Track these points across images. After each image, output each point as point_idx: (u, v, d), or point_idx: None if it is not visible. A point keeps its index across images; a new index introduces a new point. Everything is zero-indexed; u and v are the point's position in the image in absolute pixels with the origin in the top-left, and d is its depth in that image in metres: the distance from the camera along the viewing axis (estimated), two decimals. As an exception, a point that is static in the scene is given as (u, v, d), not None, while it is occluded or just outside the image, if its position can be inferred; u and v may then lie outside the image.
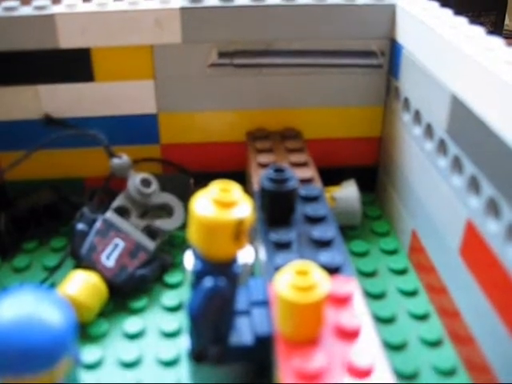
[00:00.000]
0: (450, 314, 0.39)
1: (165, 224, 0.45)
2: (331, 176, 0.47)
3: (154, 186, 0.45)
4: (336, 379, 0.27)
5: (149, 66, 0.48)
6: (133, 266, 0.43)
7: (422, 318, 0.41)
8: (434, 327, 0.40)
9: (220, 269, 0.29)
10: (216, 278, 0.29)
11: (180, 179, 0.50)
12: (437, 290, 0.41)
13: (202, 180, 0.42)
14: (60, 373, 0.29)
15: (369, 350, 0.29)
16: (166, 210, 0.46)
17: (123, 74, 0.48)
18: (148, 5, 0.46)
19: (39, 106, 0.48)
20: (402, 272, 0.45)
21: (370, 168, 0.54)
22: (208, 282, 0.29)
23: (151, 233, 0.45)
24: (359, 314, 0.31)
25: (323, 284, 0.28)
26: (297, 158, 0.46)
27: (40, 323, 0.28)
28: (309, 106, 0.51)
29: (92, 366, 0.38)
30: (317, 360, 0.28)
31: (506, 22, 0.94)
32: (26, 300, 0.29)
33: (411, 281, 0.45)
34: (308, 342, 0.29)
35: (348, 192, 0.48)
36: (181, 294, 0.43)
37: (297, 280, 0.28)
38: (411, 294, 0.43)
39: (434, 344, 0.39)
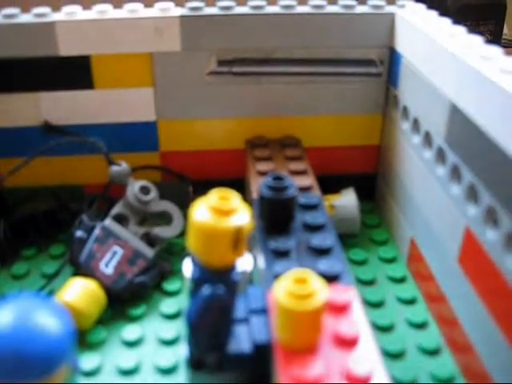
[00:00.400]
0: (448, 322, 0.39)
1: (164, 231, 0.45)
2: (330, 184, 0.47)
3: (153, 193, 0.45)
4: (334, 387, 0.27)
5: (148, 74, 0.48)
6: (131, 273, 0.43)
7: (421, 326, 0.41)
8: (433, 335, 0.40)
9: (219, 276, 0.29)
10: (215, 286, 0.29)
11: (179, 187, 0.50)
12: (435, 298, 0.41)
13: (201, 188, 0.42)
14: (58, 380, 0.29)
15: (367, 358, 0.29)
16: (164, 218, 0.46)
17: (123, 82, 0.48)
18: (148, 13, 0.46)
19: (39, 113, 0.48)
20: (400, 280, 0.45)
21: (369, 176, 0.54)
22: (206, 290, 0.29)
23: (150, 240, 0.45)
24: (358, 322, 0.31)
25: (322, 292, 0.28)
26: (296, 166, 0.47)
27: (38, 330, 0.29)
28: (308, 114, 0.51)
29: (90, 374, 0.37)
30: (315, 368, 0.28)
31: (505, 31, 0.94)
32: (25, 307, 0.29)
33: (410, 289, 0.45)
34: (306, 349, 0.29)
35: (347, 200, 0.48)
36: (179, 302, 0.43)
37: (295, 288, 0.28)
38: (410, 302, 0.43)
39: (433, 352, 0.39)
